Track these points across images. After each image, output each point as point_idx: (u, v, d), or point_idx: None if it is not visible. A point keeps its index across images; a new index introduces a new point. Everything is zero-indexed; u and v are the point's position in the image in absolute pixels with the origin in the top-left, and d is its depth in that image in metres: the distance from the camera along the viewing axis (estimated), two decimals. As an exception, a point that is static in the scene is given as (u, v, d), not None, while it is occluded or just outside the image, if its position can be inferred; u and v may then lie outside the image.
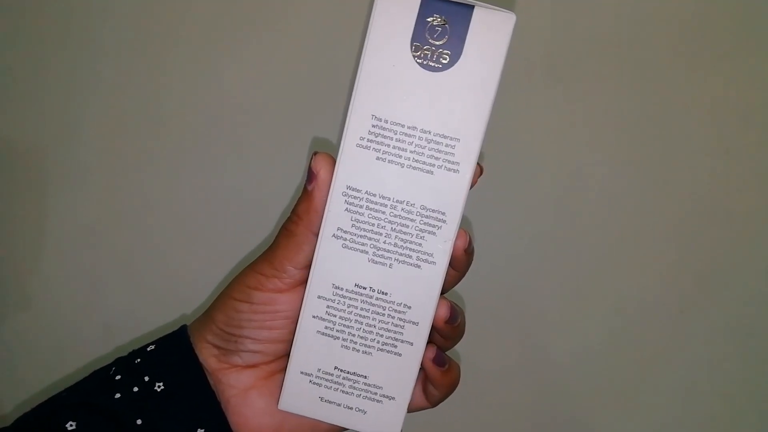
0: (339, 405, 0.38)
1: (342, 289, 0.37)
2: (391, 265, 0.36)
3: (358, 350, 0.38)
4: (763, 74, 0.57)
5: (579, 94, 0.58)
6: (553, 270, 0.61)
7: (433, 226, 0.36)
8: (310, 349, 0.38)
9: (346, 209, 0.36)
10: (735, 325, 0.59)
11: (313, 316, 0.37)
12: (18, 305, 0.66)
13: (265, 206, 0.63)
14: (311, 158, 0.37)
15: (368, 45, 0.35)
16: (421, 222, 0.36)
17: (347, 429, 0.39)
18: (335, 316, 0.37)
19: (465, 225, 0.38)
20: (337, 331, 0.37)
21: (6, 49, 0.63)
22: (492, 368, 0.63)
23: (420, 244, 0.36)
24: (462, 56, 0.35)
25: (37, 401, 0.41)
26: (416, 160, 0.35)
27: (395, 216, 0.36)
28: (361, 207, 0.36)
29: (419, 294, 0.37)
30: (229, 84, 0.62)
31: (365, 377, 0.38)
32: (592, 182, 0.59)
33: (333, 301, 0.37)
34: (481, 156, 0.36)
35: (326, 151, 0.37)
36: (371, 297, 0.37)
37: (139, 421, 0.38)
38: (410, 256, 0.36)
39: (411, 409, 0.39)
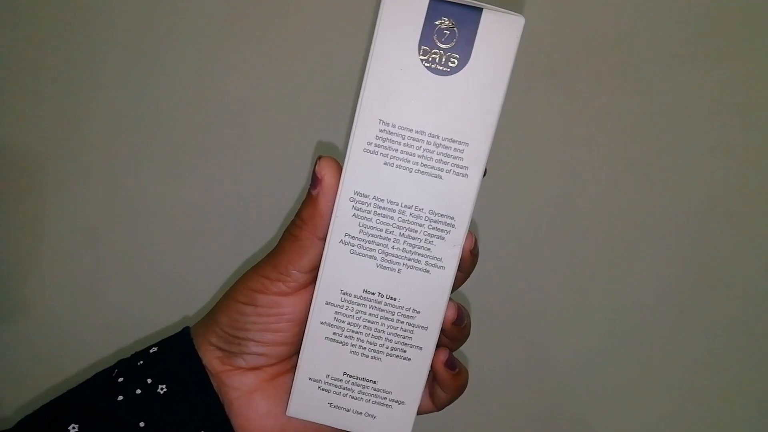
0: (348, 410, 0.38)
1: (350, 294, 0.37)
2: (399, 270, 0.36)
3: (367, 356, 0.38)
4: (763, 74, 0.57)
5: (579, 94, 0.58)
6: (553, 270, 0.61)
7: (442, 231, 0.36)
8: (319, 356, 0.38)
9: (354, 215, 0.36)
10: (735, 325, 0.59)
11: (321, 323, 0.37)
12: (18, 306, 0.66)
13: (268, 209, 0.62)
14: (315, 163, 0.37)
15: (375, 48, 0.35)
16: (430, 227, 0.36)
17: None
18: (343, 322, 0.37)
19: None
20: (346, 337, 0.37)
21: (6, 49, 0.63)
22: (492, 368, 0.63)
23: (429, 249, 0.36)
24: (470, 60, 0.35)
25: (38, 402, 0.41)
26: (424, 165, 0.35)
27: (403, 221, 0.36)
28: (368, 212, 0.36)
29: (428, 299, 0.37)
30: (235, 86, 0.61)
31: (374, 382, 0.38)
32: (591, 182, 0.60)
33: (341, 307, 0.37)
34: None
35: (331, 155, 0.37)
36: (380, 302, 0.37)
37: (141, 424, 0.38)
38: (419, 261, 0.36)
39: (417, 413, 0.39)
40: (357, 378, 0.38)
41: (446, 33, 0.34)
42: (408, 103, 0.35)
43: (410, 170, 0.35)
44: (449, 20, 0.34)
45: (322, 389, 0.38)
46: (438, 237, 0.36)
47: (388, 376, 0.38)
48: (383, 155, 0.35)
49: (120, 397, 0.39)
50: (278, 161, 0.62)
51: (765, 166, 0.57)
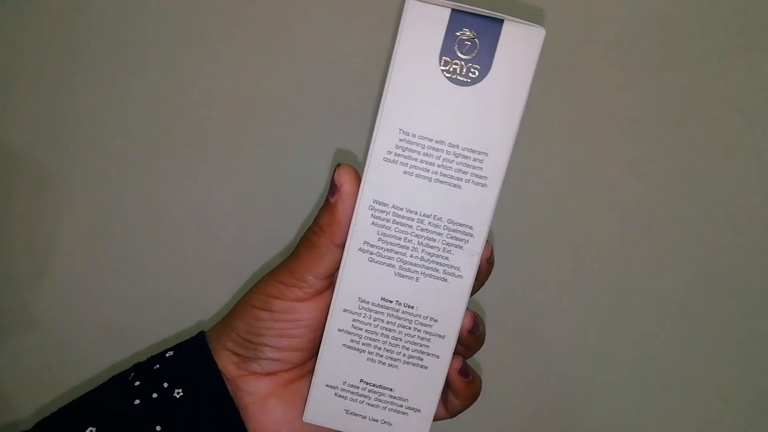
0: (365, 417, 0.38)
1: (368, 302, 0.37)
2: (417, 279, 0.37)
3: (384, 363, 0.38)
4: (763, 74, 0.57)
5: (578, 94, 0.59)
6: (553, 270, 0.61)
7: (461, 240, 0.36)
8: (336, 363, 0.38)
9: (373, 223, 0.36)
10: (735, 325, 0.60)
11: (339, 330, 0.38)
12: (18, 306, 0.65)
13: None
14: (334, 170, 0.37)
15: (396, 58, 0.35)
16: (449, 236, 0.36)
17: None
18: (361, 329, 0.37)
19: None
20: (363, 344, 0.38)
21: (6, 49, 0.62)
22: (492, 368, 0.64)
23: (447, 258, 0.36)
24: (491, 71, 0.35)
25: (41, 404, 0.41)
26: (444, 174, 0.35)
27: (422, 230, 0.36)
28: (387, 221, 0.36)
29: (446, 307, 0.37)
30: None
31: (391, 390, 0.38)
32: (591, 182, 0.60)
33: (359, 314, 0.37)
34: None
35: (349, 162, 0.37)
36: (398, 311, 0.37)
37: (158, 428, 0.38)
38: (437, 270, 0.36)
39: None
40: (374, 385, 0.38)
41: (467, 44, 0.34)
42: (428, 112, 0.35)
43: (429, 179, 0.35)
44: (470, 31, 0.34)
45: (339, 396, 0.38)
46: (456, 246, 0.36)
47: (405, 384, 0.38)
48: (403, 164, 0.35)
49: (137, 401, 0.39)
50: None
51: (765, 166, 0.58)
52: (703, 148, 0.58)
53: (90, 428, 0.38)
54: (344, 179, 0.37)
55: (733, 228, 0.59)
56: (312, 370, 0.40)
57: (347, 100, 0.60)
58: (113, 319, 0.65)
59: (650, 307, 0.60)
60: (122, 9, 0.61)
